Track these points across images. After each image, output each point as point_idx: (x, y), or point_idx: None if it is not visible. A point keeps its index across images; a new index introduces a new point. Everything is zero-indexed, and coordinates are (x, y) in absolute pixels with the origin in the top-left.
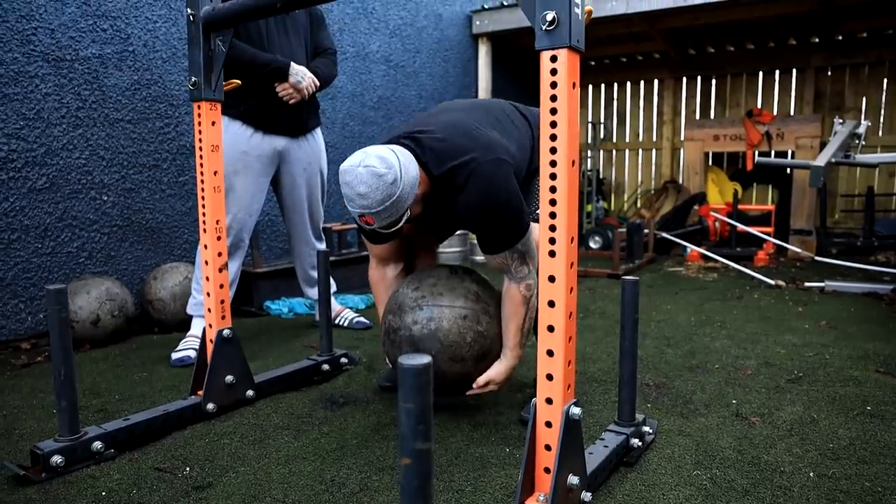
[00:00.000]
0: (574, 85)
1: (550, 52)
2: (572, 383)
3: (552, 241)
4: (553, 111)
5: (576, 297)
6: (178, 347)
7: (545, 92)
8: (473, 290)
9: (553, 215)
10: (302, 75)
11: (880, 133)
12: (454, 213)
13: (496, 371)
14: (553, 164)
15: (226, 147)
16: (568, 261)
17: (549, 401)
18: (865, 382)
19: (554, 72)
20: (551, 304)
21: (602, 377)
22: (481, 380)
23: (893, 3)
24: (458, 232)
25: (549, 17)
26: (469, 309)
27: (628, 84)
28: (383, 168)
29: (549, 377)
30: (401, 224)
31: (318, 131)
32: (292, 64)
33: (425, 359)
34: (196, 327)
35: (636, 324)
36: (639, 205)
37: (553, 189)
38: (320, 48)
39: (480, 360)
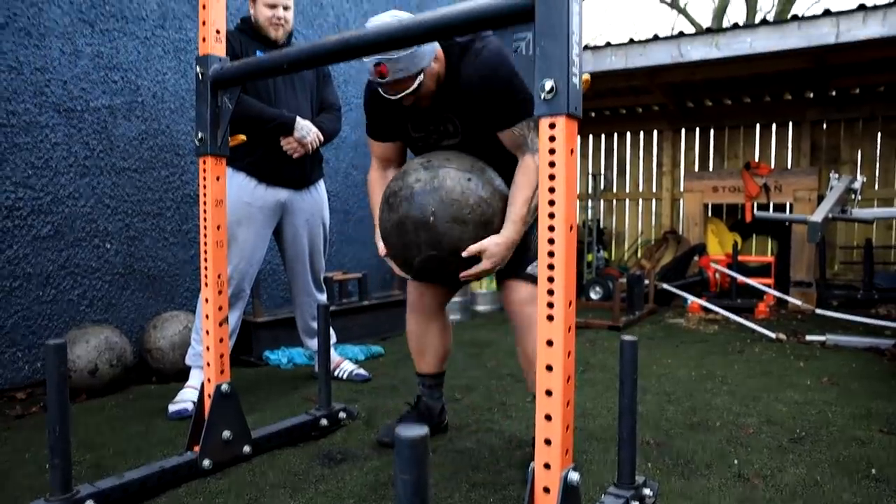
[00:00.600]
0: (572, 151)
1: (549, 120)
2: (570, 448)
3: (550, 305)
4: (552, 177)
5: (573, 361)
6: (176, 399)
7: (544, 158)
8: (481, 164)
9: (551, 279)
10: (307, 130)
11: (876, 186)
12: (466, 89)
13: (493, 241)
14: (551, 228)
15: (229, 198)
16: (566, 325)
17: (547, 466)
18: (869, 443)
19: (552, 138)
20: (549, 368)
21: (602, 434)
22: (474, 247)
23: (882, 63)
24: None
25: (548, 85)
26: (475, 175)
27: (628, 135)
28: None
29: (548, 442)
30: (411, 89)
31: (321, 183)
32: (298, 119)
33: (423, 430)
34: (194, 378)
35: (635, 384)
36: (639, 255)
37: (551, 254)
38: (325, 104)
39: (481, 227)
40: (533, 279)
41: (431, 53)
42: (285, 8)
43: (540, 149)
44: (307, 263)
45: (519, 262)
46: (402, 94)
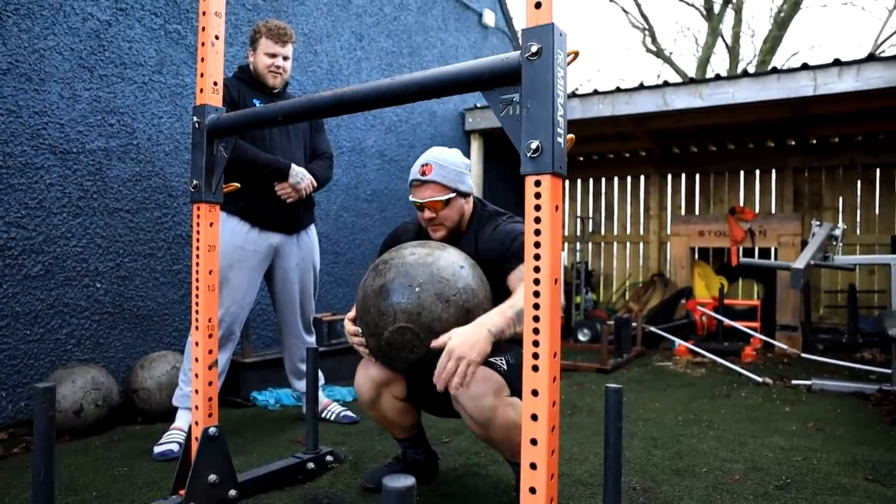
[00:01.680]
0: (557, 207)
1: (535, 178)
2: (555, 496)
3: (535, 356)
4: (537, 232)
5: (558, 411)
6: (161, 440)
7: (529, 214)
8: (479, 267)
9: (536, 331)
10: (301, 176)
11: (858, 231)
12: (489, 237)
13: (457, 329)
14: (536, 282)
15: (222, 242)
16: (551, 375)
17: None
18: (854, 491)
19: (538, 195)
20: (534, 417)
21: (589, 480)
22: (443, 338)
23: (859, 114)
24: None
25: (534, 145)
26: (469, 265)
27: (616, 179)
28: (466, 157)
29: (532, 490)
30: (439, 198)
31: (313, 228)
32: (293, 165)
33: (410, 480)
34: (180, 420)
35: (620, 432)
36: (627, 297)
37: (536, 306)
38: (318, 151)
39: (462, 312)
40: (494, 367)
41: (470, 188)
42: (284, 58)
43: (525, 205)
44: (297, 307)
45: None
46: (429, 199)
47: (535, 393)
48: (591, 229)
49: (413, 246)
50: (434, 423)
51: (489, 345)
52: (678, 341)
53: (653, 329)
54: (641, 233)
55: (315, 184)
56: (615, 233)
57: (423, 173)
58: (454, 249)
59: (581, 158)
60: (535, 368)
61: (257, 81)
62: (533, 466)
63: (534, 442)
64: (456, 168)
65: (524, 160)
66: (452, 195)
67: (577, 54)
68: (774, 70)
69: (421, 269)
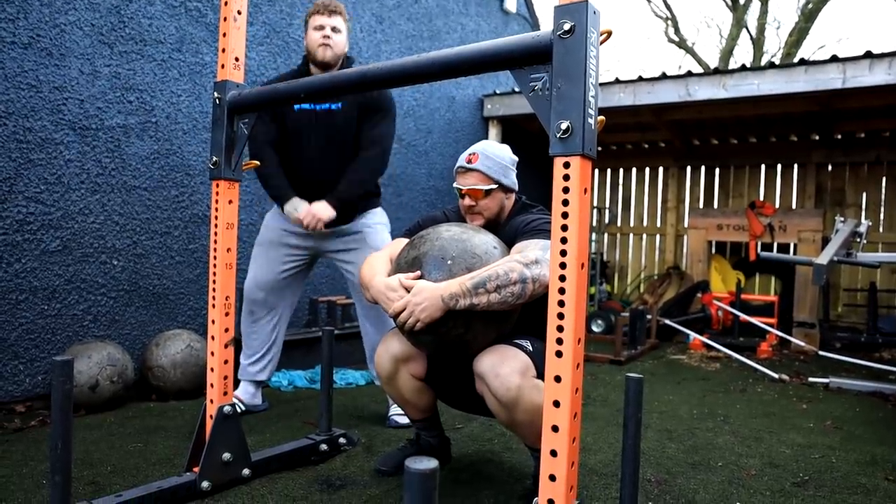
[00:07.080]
0: (585, 190)
1: (563, 159)
2: (575, 485)
3: (559, 341)
4: (564, 215)
5: (580, 398)
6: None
7: (557, 196)
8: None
9: (561, 316)
10: (292, 209)
11: (881, 230)
12: (508, 229)
13: (426, 285)
14: (563, 266)
15: (267, 222)
16: (574, 362)
17: (551, 502)
18: (874, 491)
19: (566, 177)
20: (556, 404)
21: (603, 470)
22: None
23: (888, 109)
24: None
25: (564, 125)
26: (501, 247)
27: (634, 170)
28: (514, 154)
29: (552, 478)
30: (481, 187)
31: (367, 214)
32: (290, 201)
33: (432, 462)
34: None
35: (640, 423)
36: (642, 289)
37: (562, 290)
38: (364, 142)
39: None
40: (521, 348)
41: (513, 184)
42: (333, 29)
43: (553, 188)
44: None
45: (502, 338)
46: (471, 187)
47: (557, 379)
48: (607, 220)
49: (450, 224)
50: (447, 408)
51: (440, 312)
52: (693, 335)
53: (667, 322)
54: (658, 225)
55: (324, 217)
56: (632, 224)
57: (470, 161)
58: (489, 233)
59: (599, 149)
60: (559, 354)
61: (307, 68)
62: (553, 454)
63: (555, 429)
64: (501, 162)
65: (553, 141)
66: (494, 186)
67: (609, 34)
68: (802, 62)
69: (455, 244)
